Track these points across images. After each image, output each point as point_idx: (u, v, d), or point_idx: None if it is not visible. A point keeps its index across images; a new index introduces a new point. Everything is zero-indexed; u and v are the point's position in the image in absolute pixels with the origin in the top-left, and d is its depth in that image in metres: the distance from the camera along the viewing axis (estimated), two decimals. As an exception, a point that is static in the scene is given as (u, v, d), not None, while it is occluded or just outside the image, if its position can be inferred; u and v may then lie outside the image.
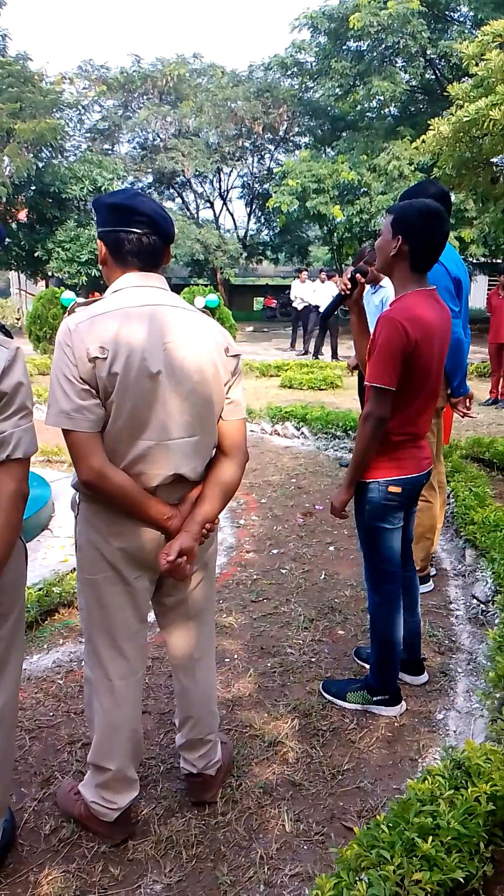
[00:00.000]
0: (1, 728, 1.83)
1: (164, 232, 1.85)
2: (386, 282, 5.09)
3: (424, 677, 2.90)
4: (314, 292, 15.38)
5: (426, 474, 2.59)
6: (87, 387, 1.70)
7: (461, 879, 1.56)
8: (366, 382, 2.38)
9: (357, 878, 1.57)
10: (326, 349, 14.83)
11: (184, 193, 27.65)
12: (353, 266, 5.27)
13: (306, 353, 15.70)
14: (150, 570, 1.93)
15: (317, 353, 14.63)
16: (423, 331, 2.29)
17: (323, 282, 15.28)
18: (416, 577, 2.88)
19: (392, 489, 2.46)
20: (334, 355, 14.45)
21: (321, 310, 14.21)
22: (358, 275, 2.58)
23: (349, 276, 2.59)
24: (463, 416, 3.44)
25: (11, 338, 1.74)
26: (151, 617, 2.11)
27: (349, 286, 2.59)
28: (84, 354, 1.68)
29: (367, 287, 4.69)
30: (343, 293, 2.63)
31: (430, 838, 1.63)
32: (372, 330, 2.58)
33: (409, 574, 2.80)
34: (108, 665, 1.95)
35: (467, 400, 3.43)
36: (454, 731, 2.60)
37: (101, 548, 1.87)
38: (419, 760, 2.44)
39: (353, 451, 2.47)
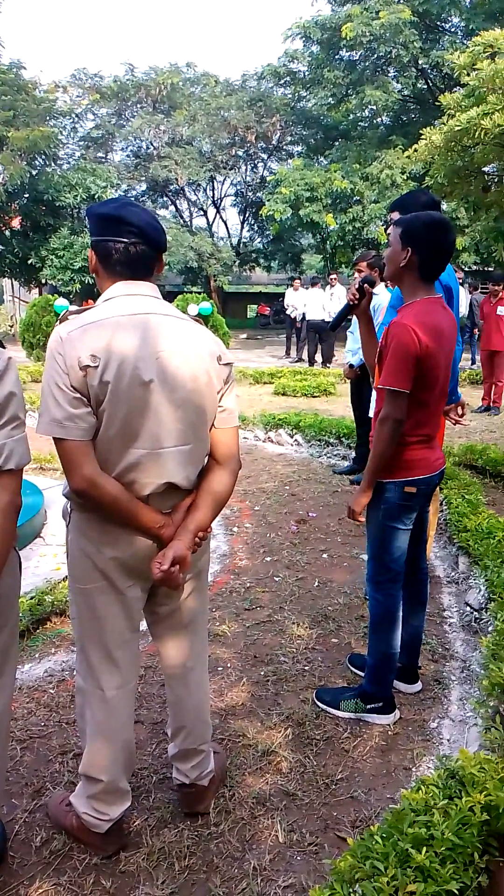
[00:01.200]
0: None
1: (154, 241, 1.85)
2: (378, 288, 5.11)
3: (418, 686, 2.90)
4: (307, 300, 15.38)
5: (440, 474, 2.65)
6: (78, 395, 1.69)
7: (456, 891, 1.55)
8: (379, 385, 2.45)
9: (351, 890, 1.56)
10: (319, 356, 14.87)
11: (177, 201, 27.72)
12: (356, 267, 5.30)
13: (300, 360, 15.74)
14: (142, 579, 1.91)
15: (311, 360, 14.64)
16: (432, 335, 2.38)
17: (307, 289, 15.18)
18: (427, 580, 2.90)
19: (408, 489, 2.52)
20: (325, 362, 14.48)
21: (309, 318, 14.28)
22: (366, 285, 2.68)
23: (357, 286, 2.68)
24: (455, 424, 3.44)
25: (3, 347, 1.74)
26: (144, 626, 2.10)
27: (357, 296, 2.68)
28: (76, 363, 1.68)
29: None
30: (351, 303, 2.70)
31: (425, 849, 1.61)
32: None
33: (421, 576, 2.84)
34: (101, 675, 1.94)
35: (459, 407, 3.43)
36: (448, 740, 2.59)
37: (94, 557, 1.85)
38: (413, 769, 2.43)
39: (370, 454, 2.50)
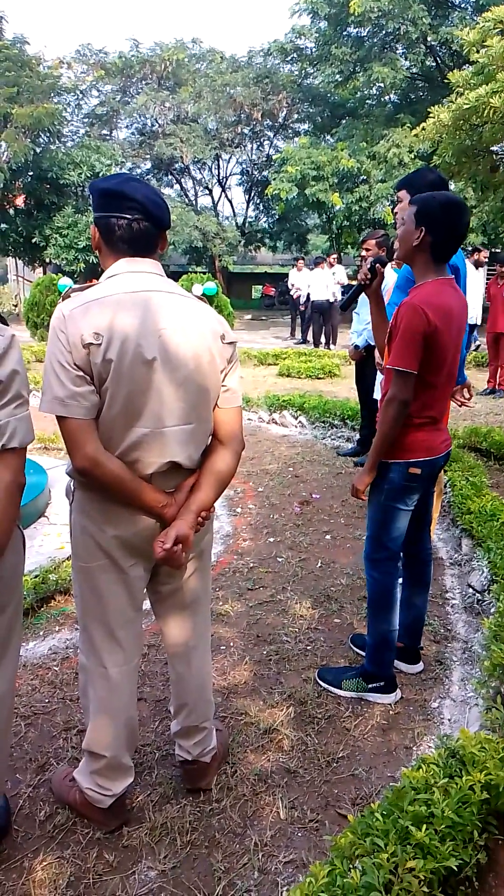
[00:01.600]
0: None
1: (156, 218, 1.82)
2: (386, 270, 5.08)
3: (420, 666, 2.91)
4: (312, 280, 15.27)
5: (445, 456, 2.64)
6: (81, 373, 1.69)
7: (455, 867, 1.57)
8: (387, 366, 2.43)
9: (351, 866, 1.57)
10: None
11: (182, 180, 27.48)
12: (364, 246, 5.26)
13: (305, 341, 15.67)
14: (145, 558, 1.92)
15: (316, 341, 14.57)
16: (442, 316, 2.36)
17: (311, 269, 14.99)
18: (430, 562, 2.91)
19: (412, 470, 2.52)
20: (328, 343, 14.39)
21: (313, 298, 14.17)
22: (378, 265, 2.65)
23: (368, 266, 2.66)
24: (461, 406, 3.43)
25: (7, 325, 1.73)
26: (147, 605, 2.11)
27: (369, 276, 2.67)
28: (78, 340, 1.67)
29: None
30: (362, 283, 2.70)
31: (424, 826, 1.63)
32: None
33: (424, 558, 2.86)
34: (103, 653, 1.95)
35: (465, 389, 3.41)
36: (449, 720, 2.60)
37: (96, 535, 1.86)
38: (414, 749, 2.44)
39: (376, 434, 2.50)
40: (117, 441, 1.77)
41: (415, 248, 2.42)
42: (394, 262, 4.61)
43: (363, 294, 2.77)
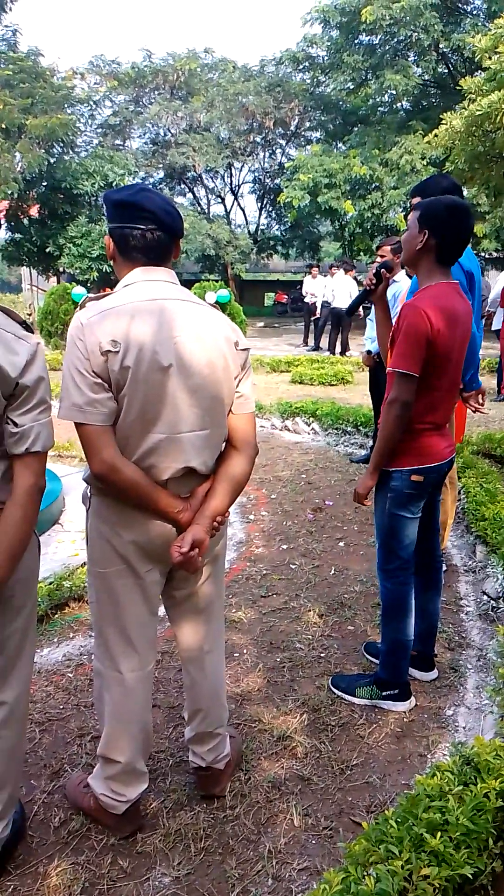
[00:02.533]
0: (13, 720, 1.84)
1: (170, 227, 1.85)
2: (399, 276, 5.07)
3: (434, 674, 2.90)
4: (325, 288, 15.27)
5: (449, 462, 2.61)
6: (99, 380, 1.71)
7: (469, 875, 1.56)
8: (389, 368, 2.42)
9: (365, 873, 1.57)
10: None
11: (195, 189, 27.65)
12: (379, 251, 5.26)
13: (318, 348, 15.65)
14: (161, 563, 1.93)
15: (332, 348, 14.51)
16: (445, 319, 2.34)
17: (333, 275, 15.04)
18: (441, 569, 2.89)
19: (415, 478, 2.49)
20: (344, 350, 14.35)
21: (333, 305, 14.11)
22: (383, 270, 2.64)
23: (374, 271, 2.66)
24: (475, 412, 3.42)
25: (32, 332, 1.76)
26: (162, 611, 2.11)
27: (374, 281, 2.67)
28: (96, 348, 1.69)
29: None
30: (368, 288, 2.69)
31: (439, 834, 1.62)
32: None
33: (435, 564, 2.83)
34: (119, 658, 1.96)
35: (479, 395, 3.40)
36: (463, 728, 2.59)
37: (113, 541, 1.87)
38: (428, 756, 2.43)
39: (377, 438, 2.49)
40: (134, 447, 1.78)
41: (418, 251, 2.41)
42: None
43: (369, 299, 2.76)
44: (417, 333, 2.31)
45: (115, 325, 1.71)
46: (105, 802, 2.03)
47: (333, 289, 14.30)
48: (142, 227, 1.81)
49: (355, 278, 14.40)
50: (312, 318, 16.06)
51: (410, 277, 4.64)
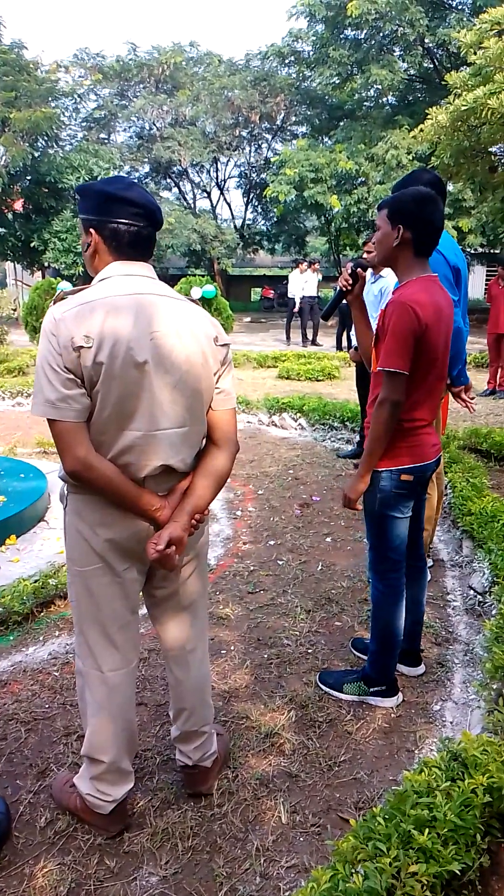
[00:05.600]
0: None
1: (158, 222, 1.87)
2: (386, 271, 5.06)
3: (421, 669, 2.90)
4: (306, 283, 15.44)
5: (436, 461, 2.58)
6: (71, 376, 1.69)
7: (457, 871, 1.56)
8: (378, 368, 2.36)
9: (353, 871, 1.56)
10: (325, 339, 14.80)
11: (180, 183, 27.51)
12: (365, 247, 5.22)
13: (306, 340, 15.80)
14: (139, 561, 1.92)
15: (339, 344, 14.43)
16: (432, 314, 2.31)
17: (302, 272, 15.56)
18: (426, 566, 2.88)
19: (404, 477, 2.46)
20: (338, 345, 14.29)
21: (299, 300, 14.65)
22: (359, 269, 2.58)
23: (349, 271, 2.58)
24: (464, 406, 3.42)
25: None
26: (144, 610, 2.10)
27: (350, 281, 2.59)
28: (69, 343, 1.67)
29: (368, 277, 4.64)
30: (343, 289, 2.61)
31: (427, 830, 1.62)
32: (373, 320, 2.58)
33: (419, 563, 2.81)
34: (100, 656, 1.94)
35: (467, 390, 3.41)
36: (451, 723, 2.59)
37: (90, 539, 1.85)
38: (416, 752, 2.43)
39: (367, 439, 2.45)
40: (109, 444, 1.76)
41: (395, 248, 2.37)
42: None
43: (344, 300, 2.68)
44: (406, 330, 2.27)
45: (90, 320, 1.68)
46: (91, 802, 2.02)
47: (308, 282, 15.33)
48: (138, 223, 1.81)
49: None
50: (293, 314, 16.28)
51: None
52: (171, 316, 1.79)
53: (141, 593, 2.03)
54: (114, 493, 1.78)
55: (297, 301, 15.70)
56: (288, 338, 16.55)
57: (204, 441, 1.96)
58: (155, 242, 1.90)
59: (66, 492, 1.91)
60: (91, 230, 1.85)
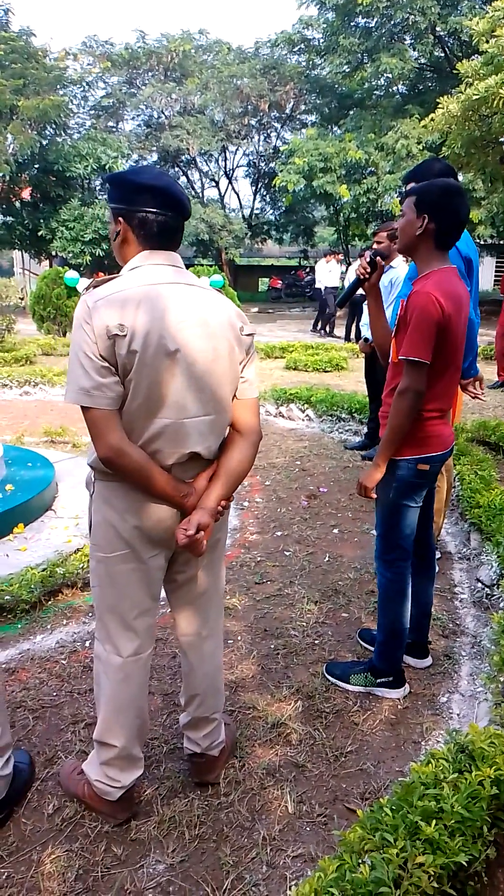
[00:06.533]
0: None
1: (187, 212, 1.90)
2: (396, 262, 5.04)
3: (428, 661, 2.90)
4: (329, 272, 15.29)
5: (450, 450, 2.60)
6: (106, 364, 1.70)
7: (464, 863, 1.56)
8: (400, 357, 2.36)
9: (360, 861, 1.57)
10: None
11: (189, 172, 27.40)
12: (375, 237, 5.20)
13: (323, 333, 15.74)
14: (165, 547, 1.93)
15: (347, 335, 14.37)
16: (454, 305, 2.32)
17: (328, 262, 15.26)
18: (434, 556, 2.88)
19: (421, 467, 2.47)
20: (348, 336, 14.25)
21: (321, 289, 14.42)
22: (378, 258, 2.58)
23: (368, 259, 2.59)
24: (473, 398, 3.40)
25: None
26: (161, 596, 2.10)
27: (368, 270, 2.60)
28: (104, 331, 1.67)
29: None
30: (361, 277, 2.62)
31: (434, 821, 1.63)
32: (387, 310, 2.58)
33: (429, 553, 2.82)
34: (119, 642, 1.96)
35: (477, 382, 3.39)
36: (458, 715, 2.59)
37: (117, 525, 1.86)
38: (422, 743, 2.44)
39: (386, 428, 2.45)
40: (139, 431, 1.77)
41: (418, 237, 2.38)
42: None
43: (361, 289, 2.69)
44: (429, 320, 2.28)
45: (123, 309, 1.70)
46: (99, 788, 2.03)
47: (331, 272, 15.00)
48: (165, 212, 1.82)
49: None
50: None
51: (408, 263, 4.61)
52: (200, 305, 1.81)
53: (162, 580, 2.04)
54: (144, 479, 1.79)
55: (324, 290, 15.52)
56: (320, 328, 16.38)
57: (228, 429, 1.97)
58: (182, 232, 1.91)
59: (93, 478, 1.91)
60: (119, 219, 1.85)
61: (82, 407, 1.73)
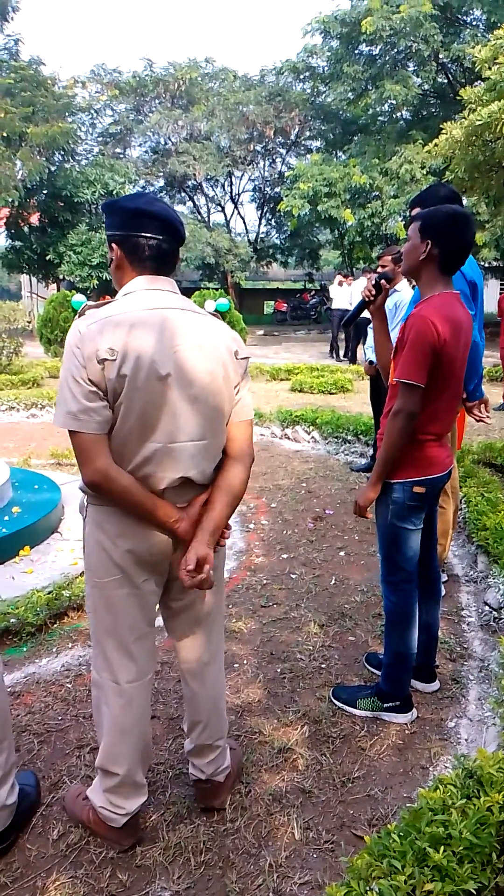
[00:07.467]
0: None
1: (181, 236, 1.89)
2: (401, 285, 5.08)
3: (436, 685, 2.88)
4: (341, 295, 15.19)
5: (448, 474, 2.59)
6: (94, 389, 1.70)
7: (473, 890, 1.54)
8: (394, 379, 2.39)
9: (368, 888, 1.55)
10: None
11: (195, 197, 27.76)
12: (380, 261, 5.24)
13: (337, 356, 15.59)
14: (157, 573, 1.92)
15: (353, 357, 14.32)
16: (451, 329, 2.33)
17: (340, 284, 15.10)
18: (440, 579, 2.87)
19: (417, 489, 2.47)
20: (353, 358, 14.26)
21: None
22: (383, 280, 2.61)
23: (374, 282, 2.62)
24: (478, 421, 3.41)
25: None
26: (161, 621, 2.10)
27: (373, 292, 2.63)
28: (93, 356, 1.69)
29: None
30: (367, 299, 2.66)
31: (442, 848, 1.60)
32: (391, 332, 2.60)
33: (434, 574, 2.81)
34: (117, 668, 1.95)
35: (483, 405, 3.40)
36: (466, 740, 2.57)
37: (110, 550, 1.86)
38: (430, 769, 2.41)
39: (380, 449, 2.47)
40: (130, 456, 1.78)
41: (421, 261, 2.41)
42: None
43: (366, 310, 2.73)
44: (424, 343, 2.30)
45: (114, 334, 1.70)
46: (104, 815, 2.01)
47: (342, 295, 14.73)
48: (159, 237, 1.83)
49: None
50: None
51: (413, 287, 4.64)
52: (194, 330, 1.81)
53: (157, 605, 2.03)
54: (132, 504, 1.79)
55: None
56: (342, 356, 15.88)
57: (221, 454, 1.97)
58: (178, 257, 1.92)
59: (85, 503, 1.92)
60: (114, 245, 1.87)
61: (70, 431, 1.75)
